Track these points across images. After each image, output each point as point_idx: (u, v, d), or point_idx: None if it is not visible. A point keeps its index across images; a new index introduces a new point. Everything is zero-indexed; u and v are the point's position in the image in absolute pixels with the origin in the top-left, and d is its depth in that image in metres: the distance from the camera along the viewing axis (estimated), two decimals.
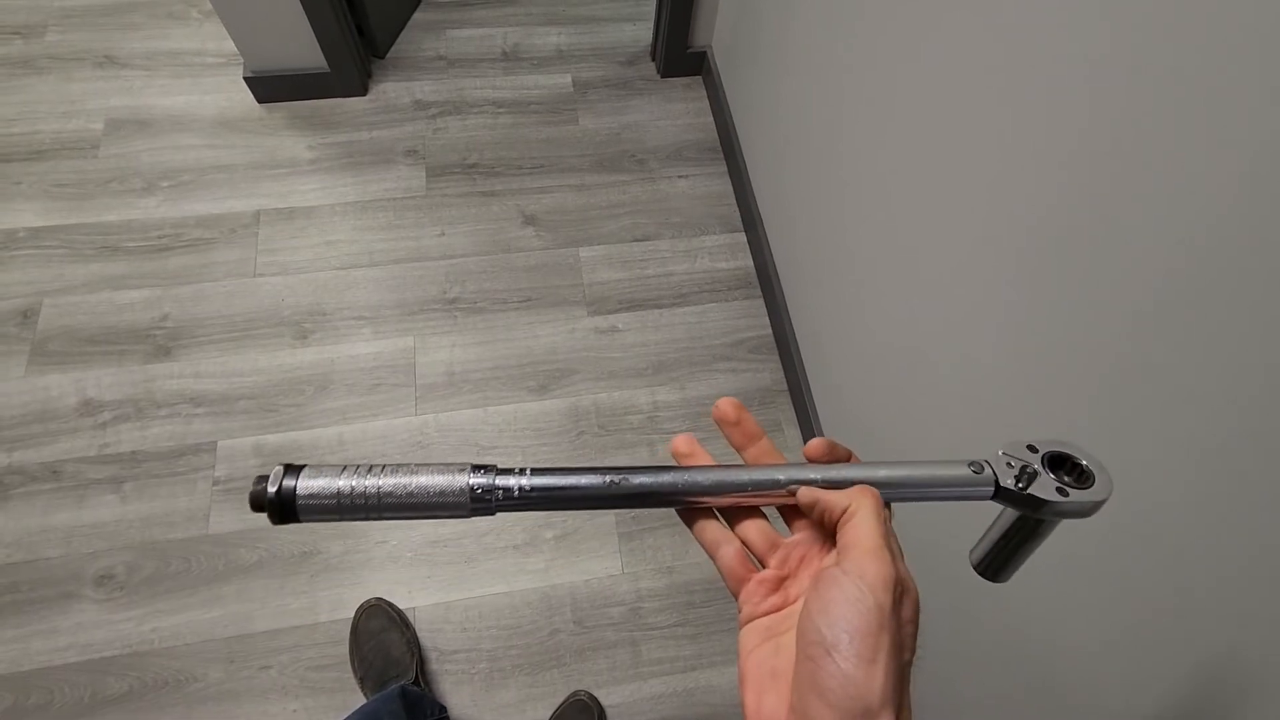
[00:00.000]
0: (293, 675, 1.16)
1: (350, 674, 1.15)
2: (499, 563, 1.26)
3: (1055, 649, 0.75)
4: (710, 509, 0.33)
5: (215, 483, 1.28)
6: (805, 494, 0.31)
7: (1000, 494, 0.31)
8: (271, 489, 0.29)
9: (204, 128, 1.63)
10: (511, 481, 0.31)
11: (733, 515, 0.33)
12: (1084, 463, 0.31)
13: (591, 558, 1.27)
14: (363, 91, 1.71)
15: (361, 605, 1.19)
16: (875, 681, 0.24)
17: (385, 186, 1.61)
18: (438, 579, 1.24)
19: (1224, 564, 0.53)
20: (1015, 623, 0.81)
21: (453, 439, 1.35)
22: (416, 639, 1.18)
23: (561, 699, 1.16)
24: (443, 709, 1.08)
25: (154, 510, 1.25)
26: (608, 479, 0.31)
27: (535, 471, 0.31)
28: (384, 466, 0.30)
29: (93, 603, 1.18)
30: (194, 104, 1.66)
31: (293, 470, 0.30)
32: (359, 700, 1.12)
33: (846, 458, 0.33)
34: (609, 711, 1.16)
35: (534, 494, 0.31)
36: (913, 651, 0.27)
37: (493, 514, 0.31)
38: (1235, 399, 0.50)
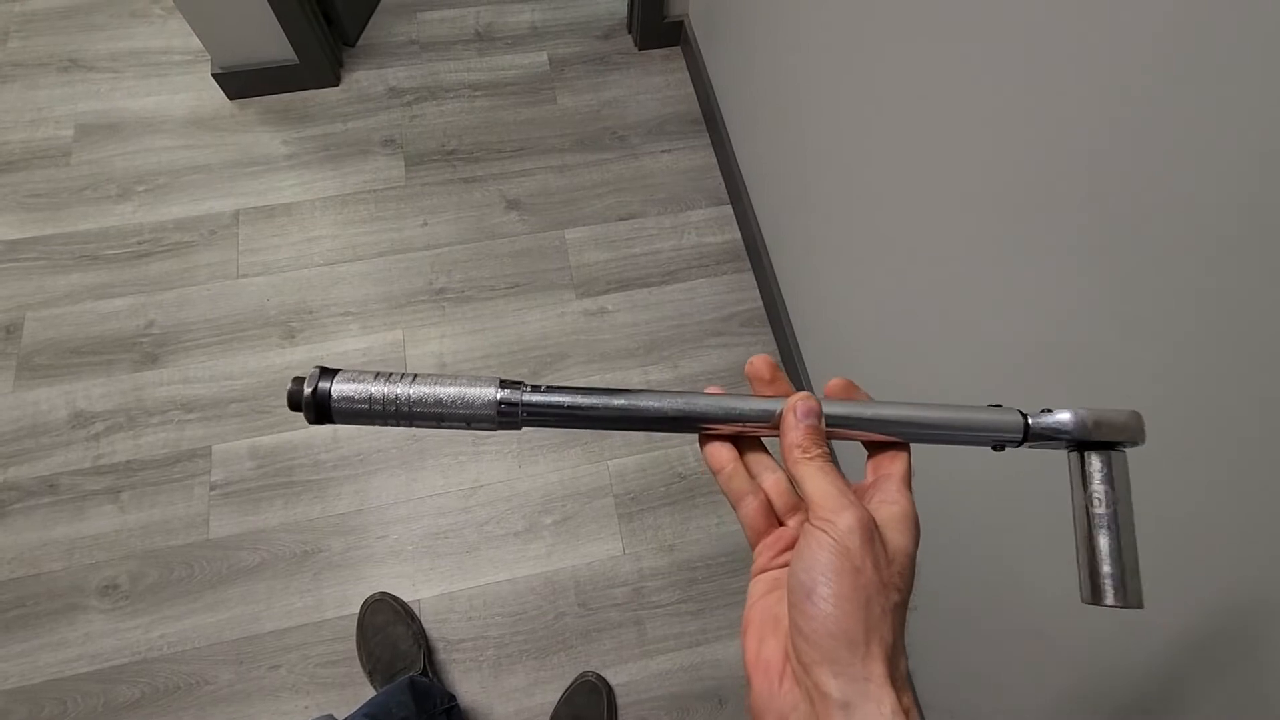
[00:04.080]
0: (302, 673, 1.17)
1: (359, 668, 1.16)
2: (500, 551, 1.26)
3: (1044, 595, 0.75)
4: (730, 442, 0.33)
5: (212, 487, 1.28)
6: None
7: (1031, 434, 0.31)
8: (308, 389, 0.30)
9: (176, 128, 1.60)
10: (538, 398, 0.31)
11: (755, 465, 0.34)
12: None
13: (592, 541, 1.27)
14: (335, 82, 1.68)
15: (366, 600, 1.19)
16: (855, 618, 0.25)
17: (364, 178, 1.58)
18: (440, 570, 1.25)
19: (1218, 507, 0.52)
20: (1004, 567, 0.81)
21: (448, 429, 1.35)
22: (423, 630, 1.19)
23: (570, 681, 1.17)
24: (452, 698, 1.09)
25: (153, 518, 1.25)
26: (630, 400, 0.32)
27: (562, 390, 0.32)
28: (415, 375, 0.31)
29: (99, 613, 1.19)
30: (164, 104, 1.63)
31: (328, 373, 0.30)
32: (369, 694, 1.13)
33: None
34: (617, 690, 1.18)
35: (559, 410, 0.32)
36: (901, 591, 0.27)
37: (518, 428, 0.32)
38: (1230, 344, 0.49)
